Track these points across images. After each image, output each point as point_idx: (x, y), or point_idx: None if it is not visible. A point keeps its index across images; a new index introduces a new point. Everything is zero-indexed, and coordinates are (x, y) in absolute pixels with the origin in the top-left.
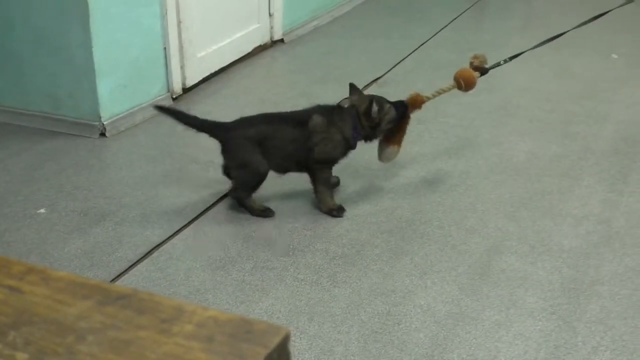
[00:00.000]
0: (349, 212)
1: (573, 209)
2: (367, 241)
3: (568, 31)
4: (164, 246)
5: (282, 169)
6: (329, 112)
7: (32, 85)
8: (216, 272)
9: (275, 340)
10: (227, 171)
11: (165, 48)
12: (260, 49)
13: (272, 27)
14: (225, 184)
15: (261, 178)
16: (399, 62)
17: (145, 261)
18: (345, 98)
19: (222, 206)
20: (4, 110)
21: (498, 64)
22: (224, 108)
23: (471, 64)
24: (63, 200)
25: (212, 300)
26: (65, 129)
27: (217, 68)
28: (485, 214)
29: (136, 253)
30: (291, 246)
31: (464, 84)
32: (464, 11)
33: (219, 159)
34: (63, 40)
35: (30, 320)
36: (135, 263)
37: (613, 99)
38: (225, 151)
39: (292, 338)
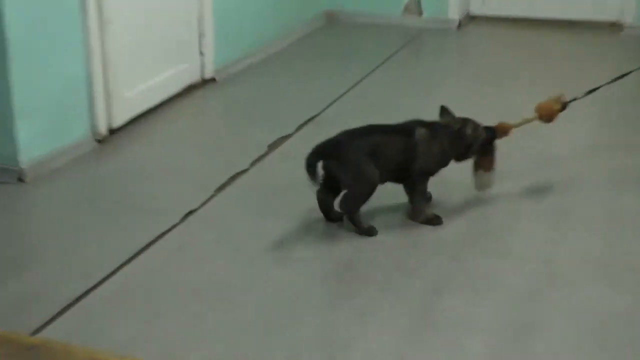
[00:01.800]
0: (284, 255)
1: (514, 248)
2: (303, 288)
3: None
4: (86, 298)
5: (383, 180)
6: (430, 126)
7: None
8: (142, 324)
9: None
10: (322, 197)
11: (89, 88)
12: (191, 89)
13: (203, 66)
14: (152, 227)
15: (374, 189)
16: (334, 101)
17: (66, 314)
18: (443, 118)
19: (150, 254)
20: None
21: (574, 99)
22: (152, 151)
23: (549, 100)
24: None
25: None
26: None
27: (145, 108)
28: (426, 254)
29: (56, 305)
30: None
31: (545, 115)
32: (398, 50)
33: (146, 204)
34: None
35: None
36: (55, 316)
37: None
38: (339, 166)
39: None
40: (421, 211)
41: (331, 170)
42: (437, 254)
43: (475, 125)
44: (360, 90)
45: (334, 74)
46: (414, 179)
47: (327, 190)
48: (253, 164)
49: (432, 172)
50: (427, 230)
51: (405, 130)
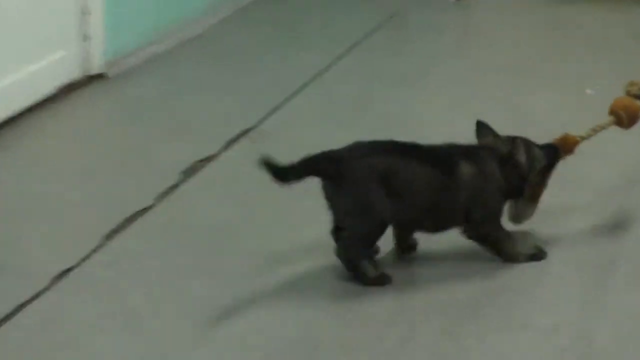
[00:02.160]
0: (205, 334)
1: (538, 316)
2: None
3: None
4: None
5: (411, 223)
6: (478, 157)
7: None
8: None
9: None
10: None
11: None
12: (69, 89)
13: (87, 56)
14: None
15: (383, 229)
16: (282, 104)
17: None
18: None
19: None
20: None
21: None
22: (8, 184)
23: (628, 92)
24: None
25: None
26: None
27: (2, 118)
28: (411, 327)
29: None
30: None
31: (626, 118)
32: (375, 29)
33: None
34: None
35: None
36: None
37: (591, 153)
38: (337, 192)
39: None
40: (516, 254)
41: (325, 192)
42: (427, 328)
43: (530, 148)
44: (320, 86)
45: (281, 65)
46: (487, 234)
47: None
48: (159, 198)
49: (500, 212)
50: (414, 290)
51: (443, 160)
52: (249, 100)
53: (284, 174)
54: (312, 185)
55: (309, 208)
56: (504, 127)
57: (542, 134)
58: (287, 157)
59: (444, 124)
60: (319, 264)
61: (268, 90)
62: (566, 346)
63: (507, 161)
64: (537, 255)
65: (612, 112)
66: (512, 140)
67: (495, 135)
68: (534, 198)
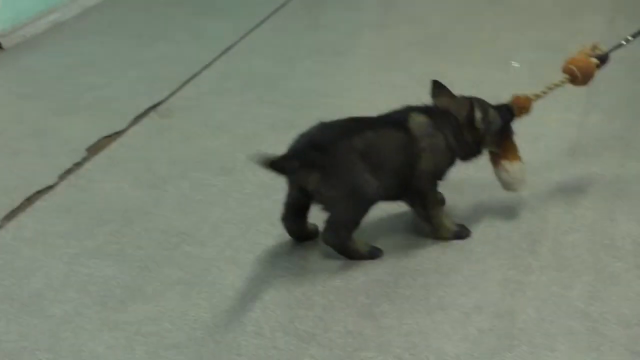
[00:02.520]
0: (110, 317)
1: (460, 296)
2: None
3: None
4: None
5: (386, 192)
6: (427, 111)
7: None
8: None
9: None
10: (294, 226)
11: None
12: None
13: None
14: None
15: (371, 205)
16: (189, 79)
17: None
18: (439, 99)
19: None
20: None
21: (619, 45)
22: None
23: (581, 52)
24: None
25: None
26: None
27: None
28: (327, 309)
29: None
30: None
31: (580, 74)
32: (289, 1)
33: None
34: None
35: None
36: None
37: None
38: (323, 181)
39: None
40: (445, 226)
41: (307, 183)
42: (344, 310)
43: (486, 110)
44: (231, 60)
45: (189, 37)
46: (422, 187)
47: (297, 213)
48: (63, 177)
49: (442, 175)
50: (330, 274)
51: (397, 119)
52: (156, 73)
53: (280, 166)
54: (223, 165)
55: (219, 187)
56: (427, 101)
57: None
58: (198, 133)
59: (364, 99)
60: (229, 244)
61: (176, 63)
62: (487, 326)
63: (466, 123)
64: (462, 232)
65: (566, 69)
66: (469, 101)
67: (451, 95)
68: (515, 157)
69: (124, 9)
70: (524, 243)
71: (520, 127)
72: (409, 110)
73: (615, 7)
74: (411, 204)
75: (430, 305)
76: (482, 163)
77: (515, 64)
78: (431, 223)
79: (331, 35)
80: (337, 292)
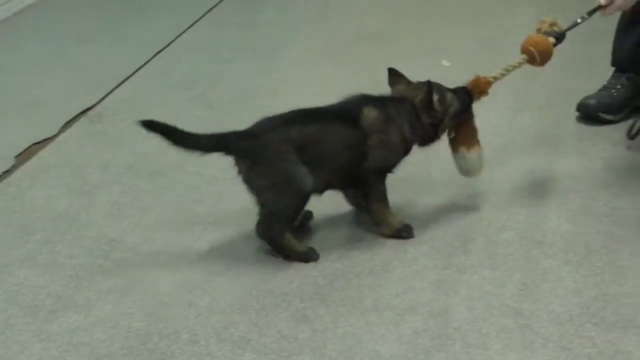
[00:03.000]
0: (41, 328)
1: (394, 297)
2: None
3: None
4: None
5: (324, 186)
6: (381, 103)
7: None
8: None
9: None
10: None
11: None
12: None
13: None
14: None
15: (305, 200)
16: (124, 81)
17: None
18: (395, 87)
19: None
20: None
21: (575, 24)
22: None
23: (539, 30)
24: None
25: None
26: None
27: None
28: (262, 314)
29: None
30: None
31: (538, 55)
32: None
33: None
34: None
35: None
36: None
37: None
38: (252, 168)
39: None
40: (387, 221)
41: (241, 172)
42: (278, 314)
43: (443, 93)
44: (167, 60)
45: (123, 37)
46: (367, 182)
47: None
48: None
49: (391, 168)
50: (265, 277)
51: (347, 113)
52: (88, 76)
53: (184, 138)
54: (155, 169)
55: (151, 191)
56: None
57: None
58: (130, 137)
59: (302, 96)
60: (163, 250)
61: (109, 66)
62: (421, 327)
63: (423, 106)
64: (403, 233)
65: (524, 50)
66: (426, 85)
67: (407, 82)
68: (473, 143)
69: (61, 9)
70: (457, 242)
71: None
72: (362, 102)
73: (548, 0)
74: (356, 193)
75: (364, 307)
76: (414, 161)
77: (446, 63)
78: (374, 216)
79: (265, 34)
80: (271, 296)
